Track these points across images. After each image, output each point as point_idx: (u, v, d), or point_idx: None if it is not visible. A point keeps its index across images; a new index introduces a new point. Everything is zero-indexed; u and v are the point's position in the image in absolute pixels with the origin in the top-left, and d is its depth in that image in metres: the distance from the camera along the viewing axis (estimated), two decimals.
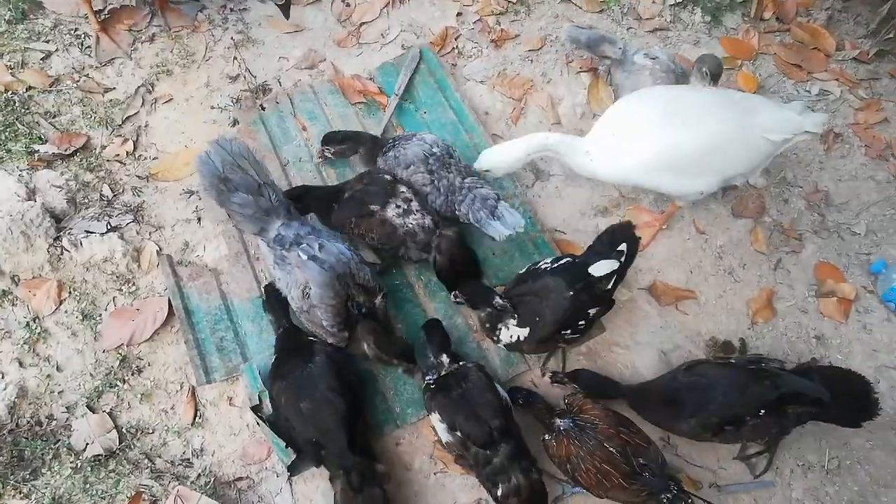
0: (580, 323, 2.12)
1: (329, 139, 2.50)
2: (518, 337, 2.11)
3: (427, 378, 2.09)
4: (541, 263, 2.18)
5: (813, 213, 2.80)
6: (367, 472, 1.91)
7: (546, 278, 2.10)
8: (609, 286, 2.12)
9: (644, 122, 2.19)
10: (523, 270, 2.23)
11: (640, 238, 2.22)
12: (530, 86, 3.01)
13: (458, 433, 1.95)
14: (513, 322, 2.10)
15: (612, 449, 1.90)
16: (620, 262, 2.12)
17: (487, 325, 2.16)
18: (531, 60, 3.11)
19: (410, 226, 2.24)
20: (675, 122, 2.15)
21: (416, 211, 2.26)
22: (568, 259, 2.16)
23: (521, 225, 2.27)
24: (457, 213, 2.36)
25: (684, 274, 2.60)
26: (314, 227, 2.16)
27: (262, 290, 2.31)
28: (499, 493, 1.92)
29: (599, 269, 2.10)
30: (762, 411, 1.97)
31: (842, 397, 2.07)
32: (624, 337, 2.43)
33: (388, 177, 2.33)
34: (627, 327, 2.45)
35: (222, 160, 2.03)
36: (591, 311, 2.13)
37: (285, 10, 2.73)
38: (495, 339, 2.17)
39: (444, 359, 2.10)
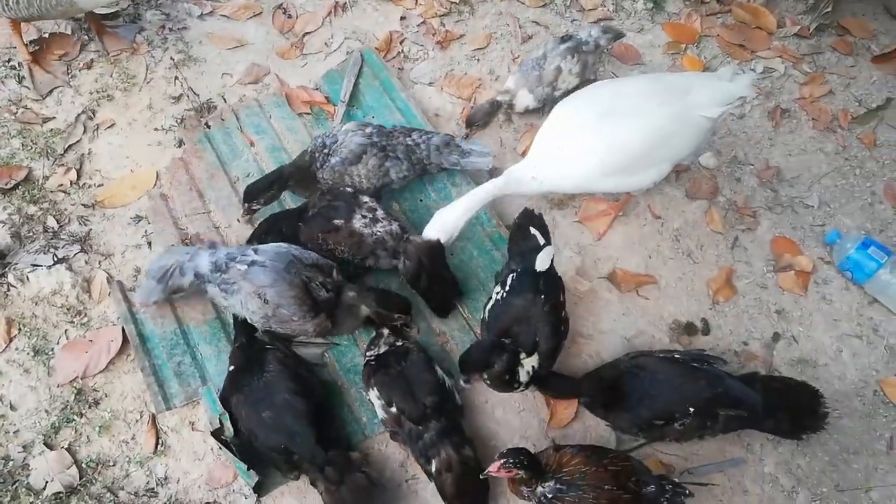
0: (563, 314, 2.11)
1: (251, 193, 2.31)
2: (534, 365, 2.00)
3: (367, 355, 2.13)
4: (494, 295, 2.10)
5: (766, 189, 2.82)
6: (342, 463, 1.91)
7: (514, 302, 2.03)
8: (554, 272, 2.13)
9: (582, 129, 2.18)
10: (488, 307, 2.11)
11: (539, 214, 2.20)
12: (478, 84, 3.00)
13: (394, 409, 1.99)
14: (522, 355, 1.98)
15: (609, 487, 1.79)
16: (550, 243, 2.12)
17: (506, 377, 1.96)
18: (478, 59, 3.11)
19: (379, 234, 2.22)
20: (614, 123, 2.15)
21: (382, 219, 2.25)
22: (511, 274, 2.08)
23: (489, 150, 2.55)
24: (428, 167, 2.54)
25: (643, 259, 2.61)
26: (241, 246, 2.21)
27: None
28: (432, 468, 1.94)
29: (543, 261, 2.08)
30: (692, 409, 1.94)
31: (783, 410, 2.07)
32: (587, 327, 2.42)
33: (349, 189, 2.31)
34: (589, 317, 2.45)
35: (159, 281, 2.16)
36: (563, 297, 2.12)
37: None
38: (517, 385, 1.98)
39: (384, 334, 2.15)
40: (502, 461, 1.78)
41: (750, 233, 2.71)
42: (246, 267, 2.04)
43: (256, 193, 2.31)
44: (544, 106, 2.78)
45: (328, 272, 2.13)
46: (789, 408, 2.09)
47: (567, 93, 2.62)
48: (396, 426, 2.02)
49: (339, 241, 2.23)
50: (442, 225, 2.19)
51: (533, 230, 2.13)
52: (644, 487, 1.81)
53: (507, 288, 2.07)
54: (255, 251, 2.08)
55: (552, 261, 2.11)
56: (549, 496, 1.81)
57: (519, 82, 2.73)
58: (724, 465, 2.20)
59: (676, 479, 1.97)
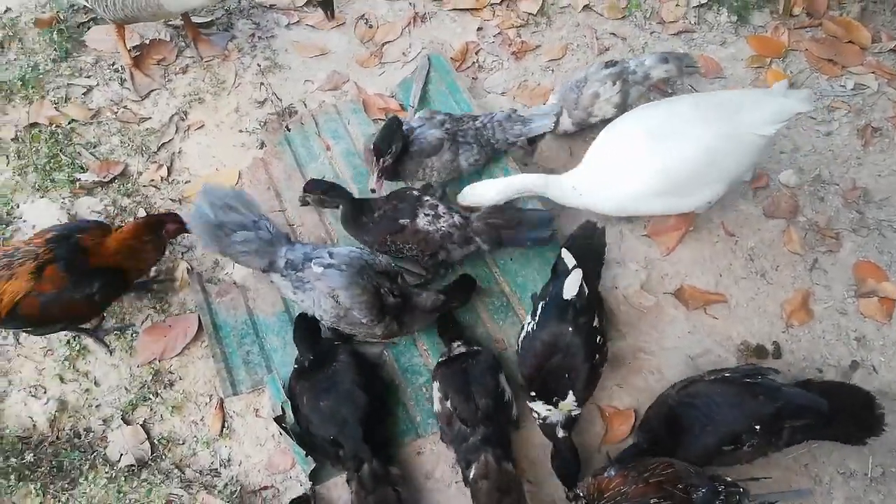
0: (598, 340, 2.06)
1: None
2: (571, 410, 2.00)
3: (440, 357, 2.19)
4: (525, 325, 2.11)
5: (851, 210, 2.69)
6: (380, 473, 1.94)
7: (542, 337, 2.02)
8: (587, 294, 2.07)
9: (630, 149, 2.18)
10: (520, 340, 2.12)
11: (602, 228, 2.22)
12: (551, 94, 3.01)
13: (448, 404, 2.02)
14: (555, 401, 1.98)
15: (655, 500, 1.75)
16: (578, 267, 2.07)
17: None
18: (552, 70, 3.11)
19: (444, 228, 2.29)
20: (663, 144, 2.12)
21: (444, 213, 2.32)
22: (541, 304, 2.09)
23: (549, 110, 2.57)
24: (496, 145, 2.58)
25: (713, 277, 2.53)
26: (315, 244, 2.27)
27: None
28: (471, 474, 1.94)
29: (570, 289, 2.04)
30: (758, 427, 1.87)
31: (842, 413, 1.97)
32: (649, 343, 2.38)
33: (415, 192, 2.38)
34: (653, 333, 2.40)
35: (212, 207, 2.14)
36: (595, 323, 2.07)
37: (327, 7, 2.80)
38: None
39: (455, 345, 2.18)
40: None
41: (831, 255, 2.58)
42: (322, 269, 2.10)
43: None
44: (582, 130, 2.72)
45: (394, 278, 2.20)
46: (847, 411, 2.00)
47: (603, 121, 2.51)
48: (447, 424, 2.04)
49: (407, 240, 2.29)
50: (473, 197, 2.33)
51: (565, 252, 2.11)
52: (695, 492, 1.75)
53: (537, 319, 2.06)
54: (331, 254, 2.15)
55: (582, 284, 2.06)
56: None
57: (560, 102, 2.68)
58: (788, 495, 2.10)
59: (729, 479, 1.86)
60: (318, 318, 2.22)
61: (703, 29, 3.24)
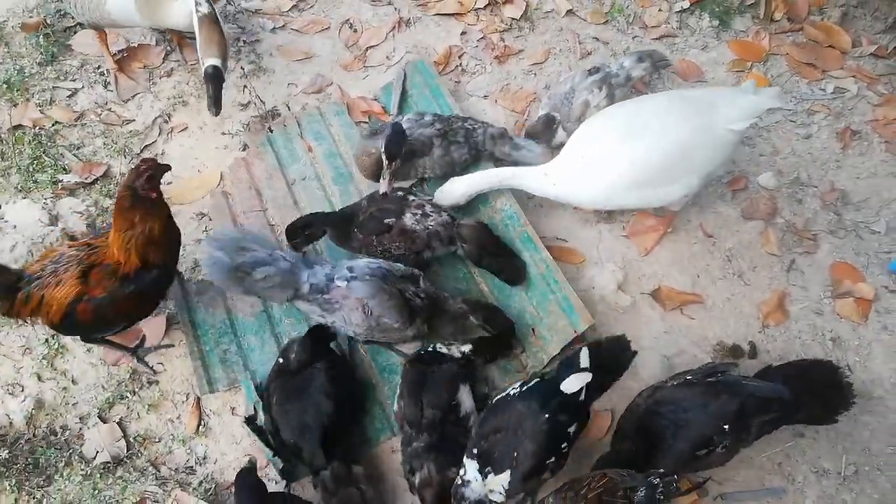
0: (563, 446, 1.90)
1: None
2: (494, 492, 1.83)
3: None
4: (508, 389, 1.97)
5: (829, 212, 2.70)
6: (342, 474, 1.93)
7: (516, 405, 1.89)
8: (582, 397, 1.93)
9: (605, 143, 2.20)
10: (492, 402, 1.99)
11: (634, 353, 2.09)
12: (533, 98, 3.03)
13: (401, 404, 2.05)
14: (494, 477, 1.82)
15: None
16: (591, 371, 1.93)
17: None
18: (534, 74, 3.14)
19: (431, 226, 2.32)
20: (636, 137, 2.15)
21: (432, 212, 2.35)
22: (536, 380, 1.96)
23: (541, 150, 2.61)
24: (482, 153, 2.63)
25: (690, 278, 2.55)
26: (327, 260, 2.27)
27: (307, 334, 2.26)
28: (416, 481, 1.94)
29: (571, 384, 1.91)
30: (726, 427, 1.87)
31: (809, 395, 1.98)
32: None
33: (399, 193, 2.40)
34: (629, 332, 2.36)
35: (225, 252, 2.09)
36: (571, 430, 1.91)
37: (213, 101, 2.55)
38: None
39: (440, 344, 2.21)
40: None
41: (808, 256, 2.60)
42: (347, 283, 2.10)
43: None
44: None
45: (416, 281, 2.19)
46: (814, 390, 2.01)
47: None
48: (399, 423, 2.06)
49: (393, 239, 2.31)
50: (449, 192, 2.39)
51: (584, 350, 1.98)
52: (634, 494, 1.73)
53: (523, 389, 1.93)
54: (351, 268, 2.14)
55: (583, 389, 1.92)
56: None
57: (558, 117, 2.68)
58: (761, 493, 2.11)
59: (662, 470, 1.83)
60: (353, 336, 2.21)
61: (685, 33, 3.27)
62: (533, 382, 1.95)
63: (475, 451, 1.87)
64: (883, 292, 2.49)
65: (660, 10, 3.33)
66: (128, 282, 2.03)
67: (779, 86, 3.04)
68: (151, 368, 2.33)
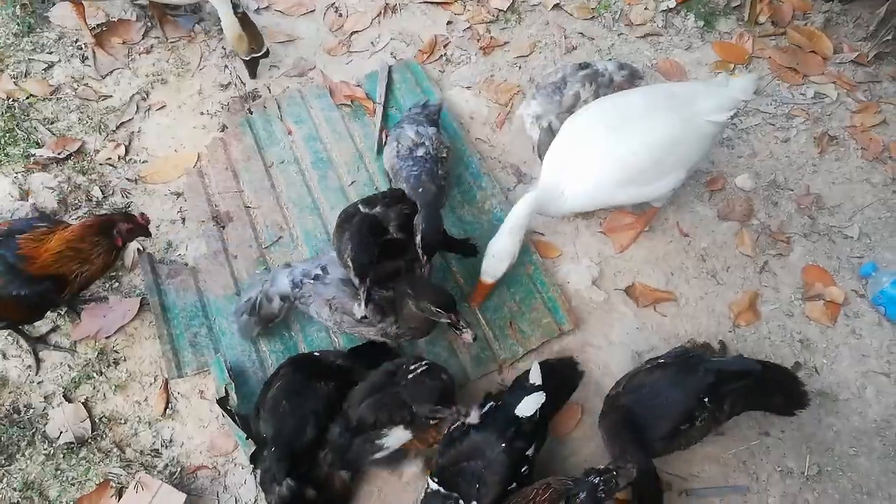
0: (523, 470, 1.90)
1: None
2: None
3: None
4: (465, 419, 1.94)
5: (803, 215, 2.73)
6: (294, 494, 1.88)
7: (475, 438, 1.89)
8: (537, 418, 1.95)
9: (595, 144, 2.18)
10: (453, 427, 1.97)
11: (581, 373, 2.18)
12: (517, 91, 3.02)
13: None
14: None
15: None
16: (544, 392, 1.97)
17: None
18: (519, 67, 3.13)
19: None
20: (625, 134, 2.14)
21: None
22: (490, 405, 1.97)
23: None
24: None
25: (664, 276, 2.56)
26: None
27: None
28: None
29: (526, 408, 1.93)
30: (706, 399, 1.92)
31: (773, 382, 2.05)
32: (597, 337, 2.40)
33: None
34: (601, 327, 2.42)
35: (238, 315, 2.24)
36: (529, 453, 1.91)
37: (252, 67, 2.91)
38: None
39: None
40: None
41: (781, 258, 2.62)
42: (312, 281, 2.10)
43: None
44: None
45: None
46: (777, 381, 2.08)
47: None
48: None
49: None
50: (499, 259, 2.19)
51: (535, 368, 2.02)
52: (576, 499, 1.71)
53: (480, 416, 1.91)
54: (322, 267, 2.13)
55: (538, 411, 1.94)
56: None
57: (546, 108, 2.63)
58: (725, 490, 2.13)
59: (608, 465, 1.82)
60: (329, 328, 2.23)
61: (670, 33, 3.28)
62: (486, 410, 1.94)
63: (436, 479, 1.87)
64: (853, 296, 2.52)
65: (646, 8, 3.34)
66: (20, 282, 1.96)
67: (765, 91, 3.07)
68: (39, 361, 2.28)
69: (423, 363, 1.96)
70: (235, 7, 2.79)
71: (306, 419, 1.94)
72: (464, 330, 1.96)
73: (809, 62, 3.19)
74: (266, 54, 2.86)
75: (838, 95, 3.08)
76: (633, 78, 2.78)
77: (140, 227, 2.15)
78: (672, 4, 3.32)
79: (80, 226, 2.04)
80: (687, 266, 2.59)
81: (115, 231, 2.08)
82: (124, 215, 2.13)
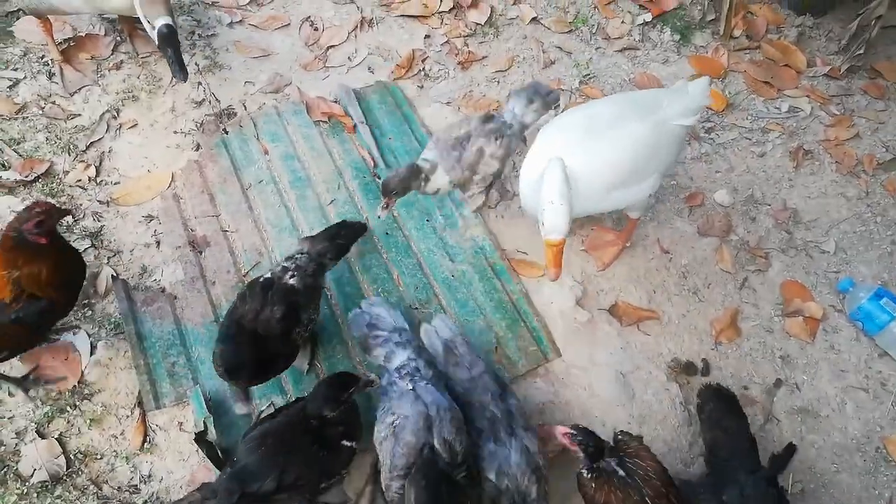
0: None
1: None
2: None
3: None
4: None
5: (781, 231, 2.76)
6: None
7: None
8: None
9: (576, 152, 2.11)
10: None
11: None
12: (496, 106, 3.01)
13: None
14: None
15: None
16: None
17: None
18: (498, 82, 3.11)
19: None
20: (605, 141, 2.12)
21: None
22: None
23: None
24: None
25: (647, 294, 2.57)
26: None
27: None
28: None
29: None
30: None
31: None
32: (582, 358, 2.39)
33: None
34: (586, 349, 2.41)
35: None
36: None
37: (178, 65, 2.48)
38: None
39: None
40: (572, 434, 1.82)
41: (760, 274, 2.65)
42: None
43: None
44: (457, 188, 2.47)
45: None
46: None
47: (488, 177, 2.43)
48: None
49: None
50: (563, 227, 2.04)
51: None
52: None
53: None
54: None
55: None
56: (606, 470, 1.78)
57: (437, 159, 2.37)
58: None
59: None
60: None
61: (647, 46, 3.29)
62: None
63: None
64: (831, 312, 2.56)
65: (623, 21, 3.35)
66: (6, 311, 1.87)
67: (741, 106, 3.09)
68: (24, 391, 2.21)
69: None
70: None
71: (277, 469, 1.81)
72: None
73: (783, 76, 3.23)
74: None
75: (812, 109, 3.13)
76: (547, 104, 2.50)
77: (48, 212, 1.87)
78: (648, 18, 3.33)
79: None
80: (668, 283, 2.60)
81: (28, 234, 1.85)
82: (24, 214, 1.86)
